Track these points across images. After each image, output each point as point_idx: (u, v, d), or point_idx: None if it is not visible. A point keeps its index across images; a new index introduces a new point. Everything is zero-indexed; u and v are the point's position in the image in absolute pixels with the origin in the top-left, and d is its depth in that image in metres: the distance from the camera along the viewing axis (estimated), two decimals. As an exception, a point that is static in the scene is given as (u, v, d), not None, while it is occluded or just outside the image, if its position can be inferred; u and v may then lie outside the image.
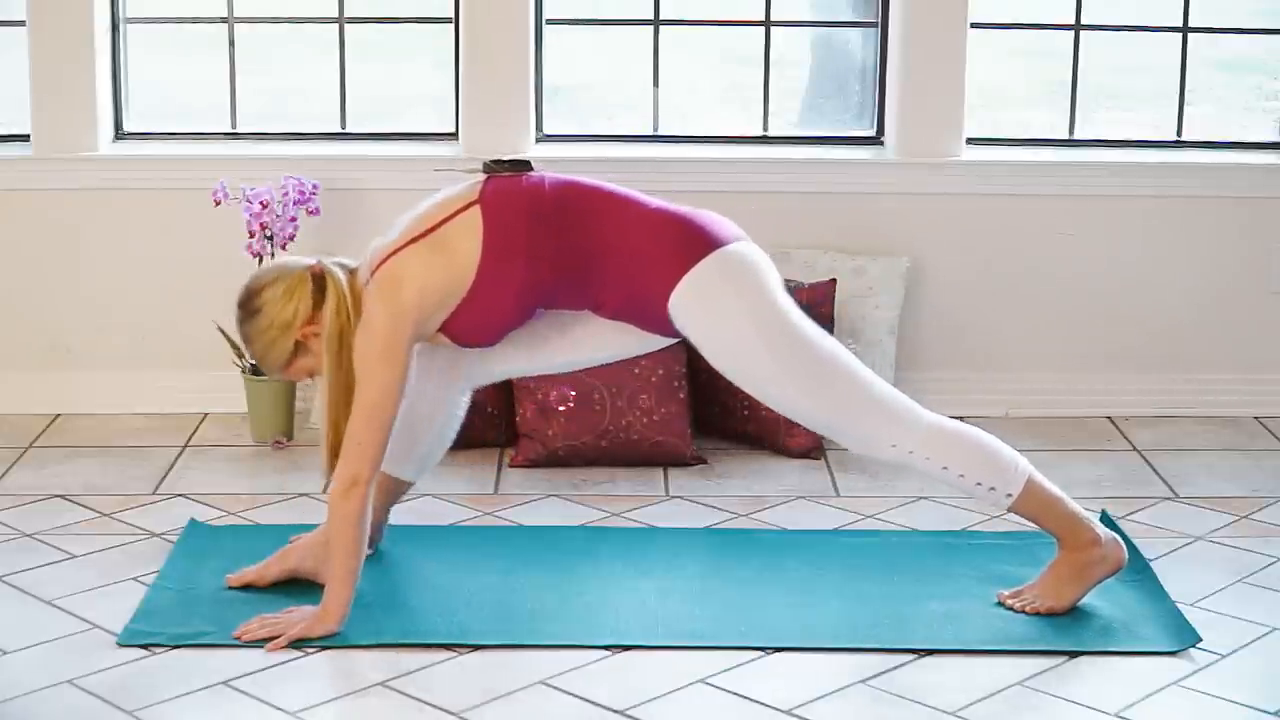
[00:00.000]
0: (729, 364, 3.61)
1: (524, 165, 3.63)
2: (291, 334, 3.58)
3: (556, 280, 3.57)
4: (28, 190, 4.99)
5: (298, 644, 3.54)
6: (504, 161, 3.63)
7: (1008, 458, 3.67)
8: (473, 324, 3.60)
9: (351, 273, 3.62)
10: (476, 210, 3.56)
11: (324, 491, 3.63)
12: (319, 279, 3.58)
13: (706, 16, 5.28)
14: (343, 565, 3.58)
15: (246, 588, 3.80)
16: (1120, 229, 5.08)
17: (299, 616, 3.58)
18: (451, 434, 3.92)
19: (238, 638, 3.55)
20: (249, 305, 3.62)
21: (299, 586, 3.78)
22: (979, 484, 3.64)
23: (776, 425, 4.70)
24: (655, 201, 3.64)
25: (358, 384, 3.53)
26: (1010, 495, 3.64)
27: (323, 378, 3.59)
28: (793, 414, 3.66)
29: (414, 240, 3.57)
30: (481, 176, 3.63)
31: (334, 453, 3.57)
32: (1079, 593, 3.71)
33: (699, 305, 3.54)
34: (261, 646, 3.53)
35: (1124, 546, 3.75)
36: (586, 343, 3.71)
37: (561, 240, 3.54)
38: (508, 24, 4.96)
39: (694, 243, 3.55)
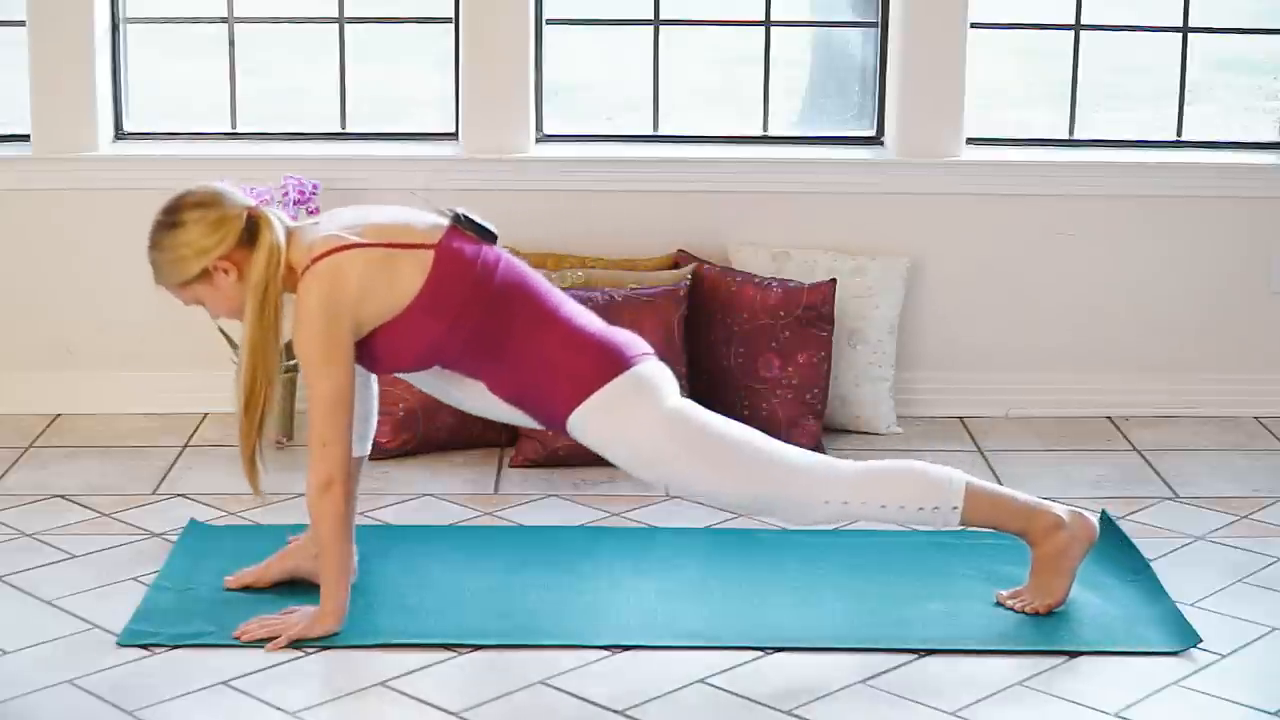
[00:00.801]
0: (648, 471, 3.63)
1: (490, 236, 3.65)
2: (203, 261, 3.52)
3: (466, 353, 3.59)
4: (28, 190, 4.98)
5: (297, 644, 3.54)
6: (473, 222, 3.63)
7: (940, 473, 3.67)
8: (373, 352, 3.60)
9: (290, 232, 3.58)
10: (430, 255, 3.56)
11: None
12: (253, 222, 3.54)
13: (706, 16, 5.28)
14: (334, 565, 3.58)
15: (246, 588, 3.80)
16: (1120, 229, 5.09)
17: (298, 617, 3.58)
18: (373, 402, 3.88)
19: (237, 638, 3.56)
20: (172, 216, 3.54)
21: (299, 587, 3.78)
22: (921, 508, 3.63)
23: (776, 425, 4.70)
24: (583, 318, 3.66)
25: (308, 383, 3.53)
26: (956, 508, 3.63)
27: (244, 328, 3.55)
28: (724, 502, 3.68)
29: (369, 245, 3.55)
30: (447, 223, 3.63)
31: (249, 404, 3.55)
32: (1067, 581, 3.71)
33: (608, 420, 3.58)
34: (261, 646, 3.53)
35: (1089, 517, 3.74)
36: (472, 395, 3.69)
37: (486, 324, 3.57)
38: (508, 24, 4.96)
39: (605, 366, 3.58)
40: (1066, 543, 3.69)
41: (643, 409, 3.58)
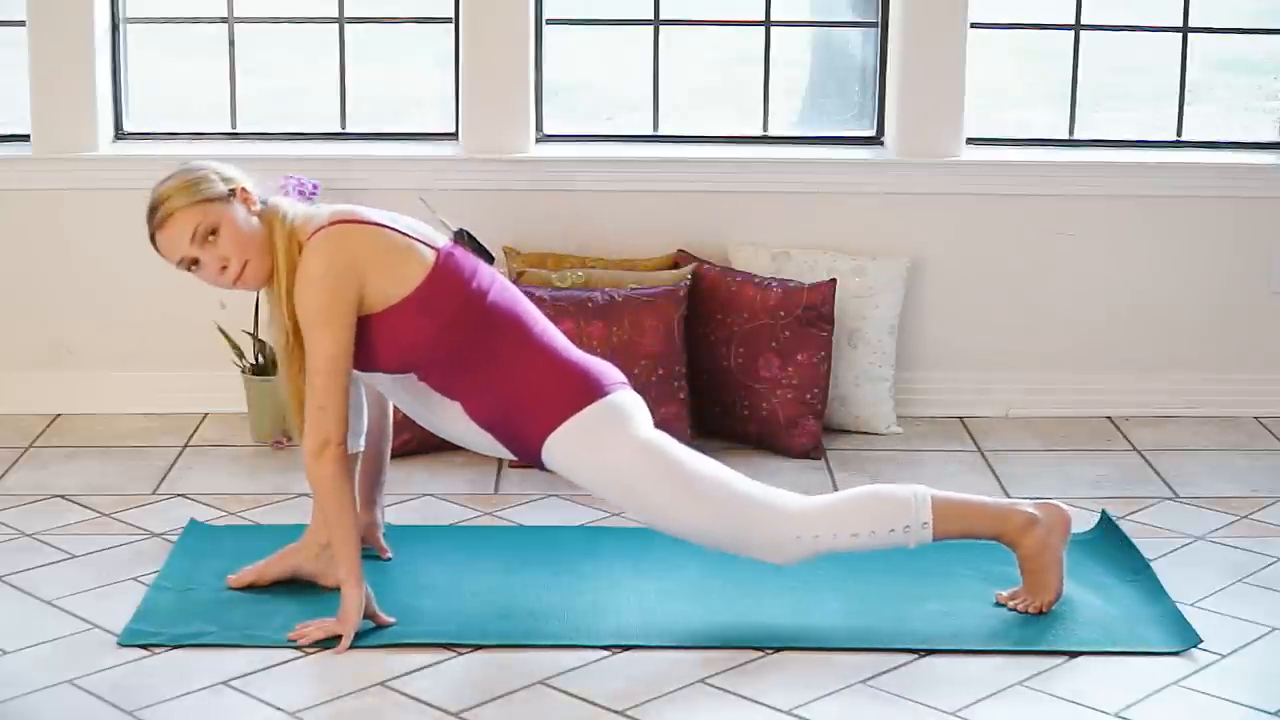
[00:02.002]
0: (619, 497, 3.65)
1: (488, 257, 3.72)
2: (231, 184, 3.57)
3: (449, 367, 3.61)
4: (28, 190, 4.98)
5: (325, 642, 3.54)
6: (476, 241, 3.70)
7: (903, 492, 3.68)
8: (359, 339, 3.59)
9: (300, 212, 3.64)
10: (433, 256, 3.60)
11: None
12: (267, 209, 3.62)
13: (706, 16, 5.28)
14: (340, 527, 3.56)
15: (247, 588, 3.80)
16: (1120, 229, 5.08)
17: (342, 612, 3.57)
18: (360, 395, 3.89)
19: (293, 640, 3.54)
20: (195, 160, 3.67)
21: (300, 587, 3.79)
22: (892, 530, 3.64)
23: (776, 425, 4.71)
24: (564, 346, 3.69)
25: (307, 347, 3.54)
26: (926, 523, 3.64)
27: (277, 277, 3.58)
28: (693, 534, 3.65)
29: (381, 226, 3.59)
30: (450, 236, 3.69)
31: (292, 347, 3.58)
32: (1057, 573, 3.71)
33: (582, 445, 3.61)
34: (328, 647, 3.53)
35: (1059, 505, 3.73)
36: (449, 419, 3.70)
37: (473, 339, 3.60)
38: (508, 24, 4.96)
39: (582, 392, 3.62)
40: (1044, 536, 3.69)
41: (616, 436, 3.60)
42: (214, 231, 3.56)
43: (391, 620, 3.62)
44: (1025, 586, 3.74)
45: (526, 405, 3.61)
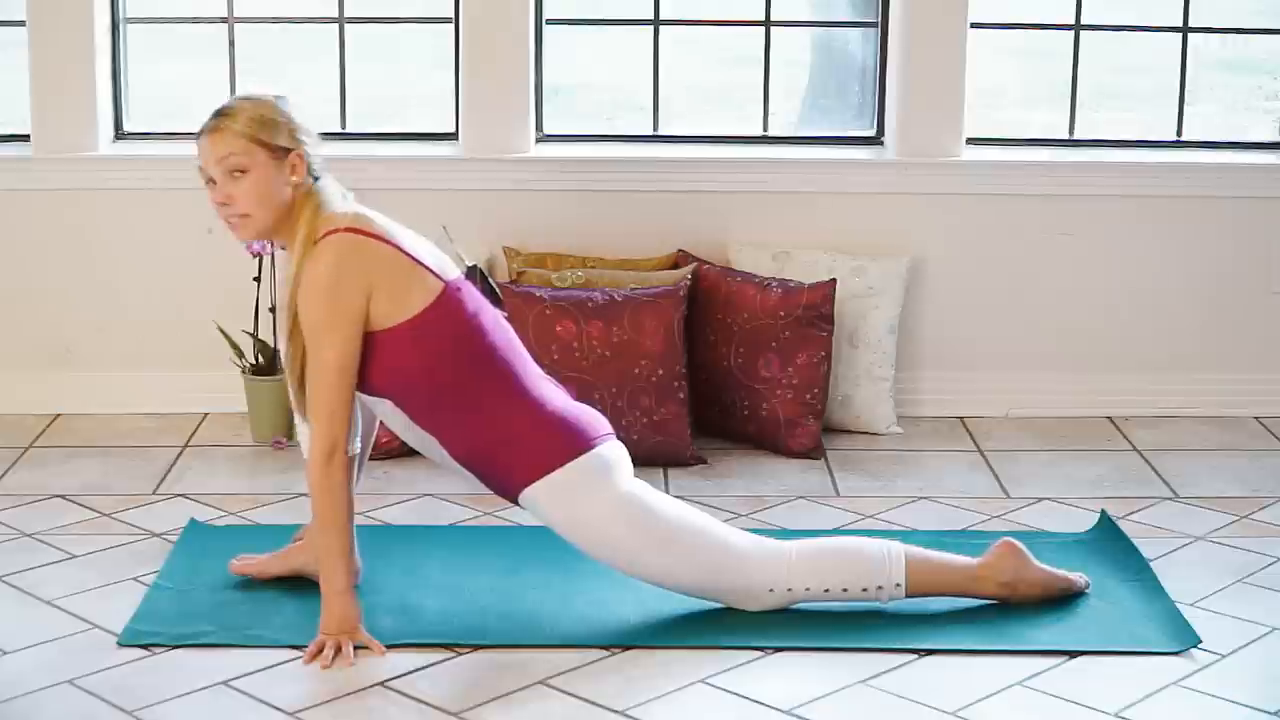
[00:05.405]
0: (597, 550, 3.64)
1: (496, 299, 3.72)
2: (293, 142, 3.55)
3: (433, 402, 3.58)
4: (28, 190, 4.98)
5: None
6: (487, 279, 3.70)
7: (878, 551, 3.68)
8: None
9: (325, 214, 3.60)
10: (440, 287, 3.58)
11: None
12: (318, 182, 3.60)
13: (706, 16, 5.28)
14: (335, 539, 3.54)
15: (247, 585, 3.80)
16: (1120, 229, 5.08)
17: (321, 625, 3.55)
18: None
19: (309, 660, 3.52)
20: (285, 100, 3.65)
21: (300, 587, 3.78)
22: (865, 589, 3.66)
23: (777, 425, 4.71)
24: (552, 395, 3.67)
25: (311, 353, 3.51)
26: (899, 584, 3.66)
27: (291, 263, 3.56)
28: (673, 585, 3.67)
29: (396, 248, 3.55)
30: (462, 270, 3.68)
31: (295, 331, 3.54)
32: (1051, 580, 3.74)
33: (563, 500, 3.60)
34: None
35: (1006, 547, 3.72)
36: (429, 449, 3.70)
37: (457, 377, 3.58)
38: (508, 24, 4.96)
39: (566, 446, 3.60)
40: (1013, 583, 3.71)
41: (597, 491, 3.59)
42: (242, 171, 3.55)
43: (380, 648, 3.55)
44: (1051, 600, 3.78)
45: (508, 452, 3.59)
